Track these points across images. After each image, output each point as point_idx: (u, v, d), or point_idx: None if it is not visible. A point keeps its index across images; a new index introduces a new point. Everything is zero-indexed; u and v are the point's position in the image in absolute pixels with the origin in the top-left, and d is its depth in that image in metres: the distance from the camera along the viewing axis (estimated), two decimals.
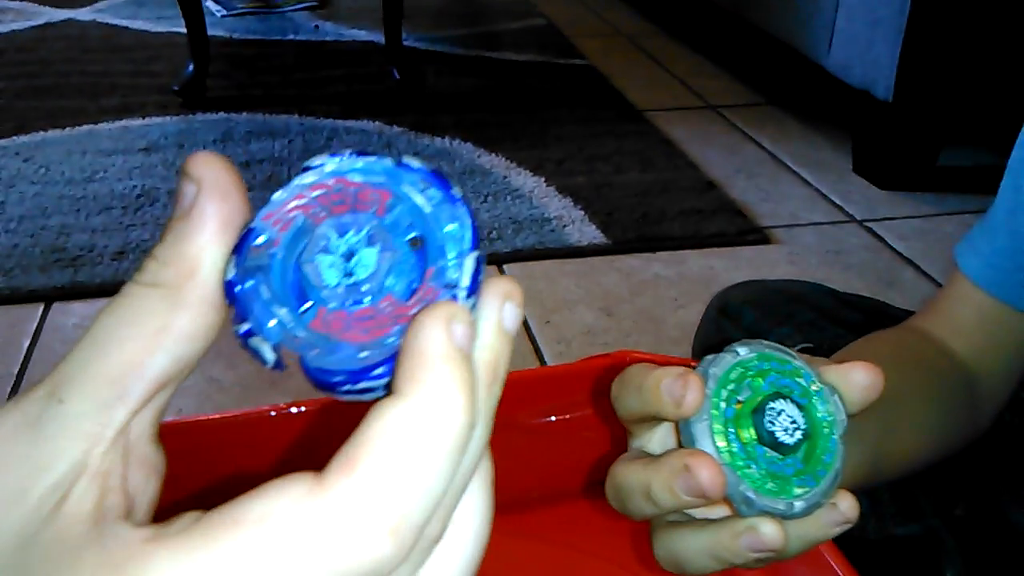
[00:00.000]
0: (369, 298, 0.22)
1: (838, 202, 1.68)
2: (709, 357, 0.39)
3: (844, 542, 0.54)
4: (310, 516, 0.19)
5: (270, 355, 0.22)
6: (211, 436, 0.67)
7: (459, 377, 0.20)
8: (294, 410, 0.68)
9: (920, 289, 1.41)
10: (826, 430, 0.38)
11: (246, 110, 1.96)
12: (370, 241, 0.23)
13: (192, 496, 0.65)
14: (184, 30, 1.94)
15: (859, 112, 1.74)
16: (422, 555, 0.21)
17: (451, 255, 0.22)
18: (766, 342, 0.39)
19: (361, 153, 0.23)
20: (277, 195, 0.23)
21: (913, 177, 1.73)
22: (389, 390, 0.20)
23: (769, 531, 0.36)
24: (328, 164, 0.23)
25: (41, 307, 1.28)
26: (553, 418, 0.74)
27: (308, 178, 0.23)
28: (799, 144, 1.92)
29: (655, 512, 0.38)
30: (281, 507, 0.19)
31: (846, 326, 0.74)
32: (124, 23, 2.54)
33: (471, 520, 0.23)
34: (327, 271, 0.22)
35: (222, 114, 1.94)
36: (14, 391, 1.11)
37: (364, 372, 0.22)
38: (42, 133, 1.82)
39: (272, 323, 0.22)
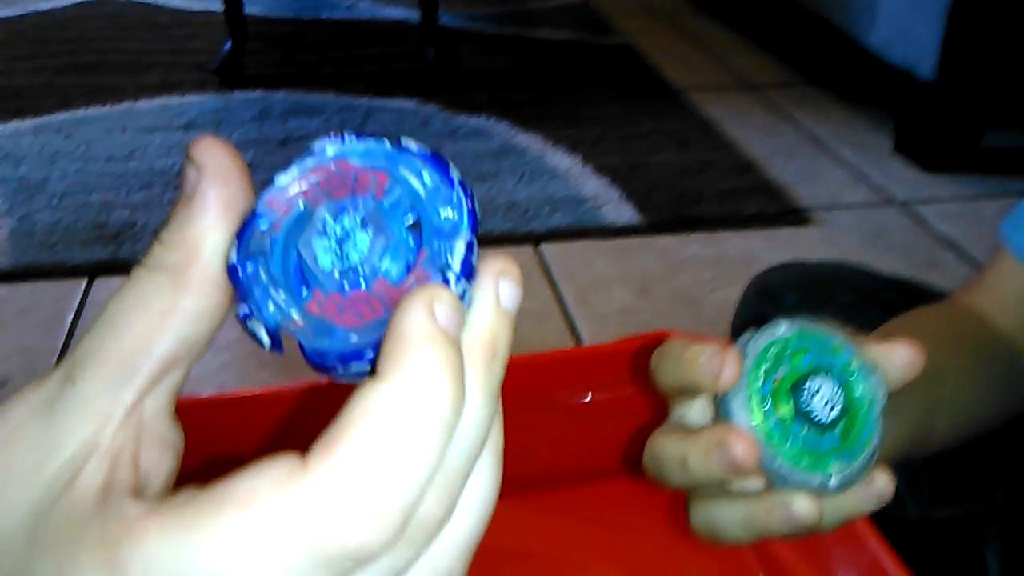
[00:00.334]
0: (363, 281, 0.23)
1: (879, 183, 1.66)
2: (748, 333, 0.39)
3: (885, 523, 0.54)
4: (291, 499, 0.19)
5: (266, 338, 0.23)
6: (252, 410, 0.68)
7: (442, 358, 0.20)
8: (319, 386, 0.69)
9: (962, 272, 1.39)
10: (865, 408, 0.38)
11: (283, 88, 1.97)
12: (364, 224, 0.23)
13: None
14: (220, 8, 1.95)
15: (901, 92, 1.71)
16: (424, 536, 0.21)
17: (444, 237, 0.23)
18: (807, 319, 0.40)
19: (361, 136, 0.24)
20: (280, 179, 0.23)
21: (956, 158, 1.70)
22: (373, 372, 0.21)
23: (802, 506, 0.36)
24: (329, 147, 0.23)
25: (84, 282, 1.30)
26: (589, 397, 0.75)
27: (309, 162, 0.23)
28: (839, 124, 1.89)
29: (691, 484, 0.39)
30: (264, 490, 0.19)
31: (888, 308, 0.73)
32: (161, 1, 2.55)
33: (472, 497, 0.23)
34: (323, 255, 0.23)
35: (259, 92, 1.95)
36: (58, 366, 1.13)
37: (356, 355, 0.22)
38: (83, 110, 1.84)
39: (270, 306, 0.23)
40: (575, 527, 0.71)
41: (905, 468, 0.67)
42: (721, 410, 0.38)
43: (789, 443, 0.37)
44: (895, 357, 0.39)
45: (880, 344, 0.40)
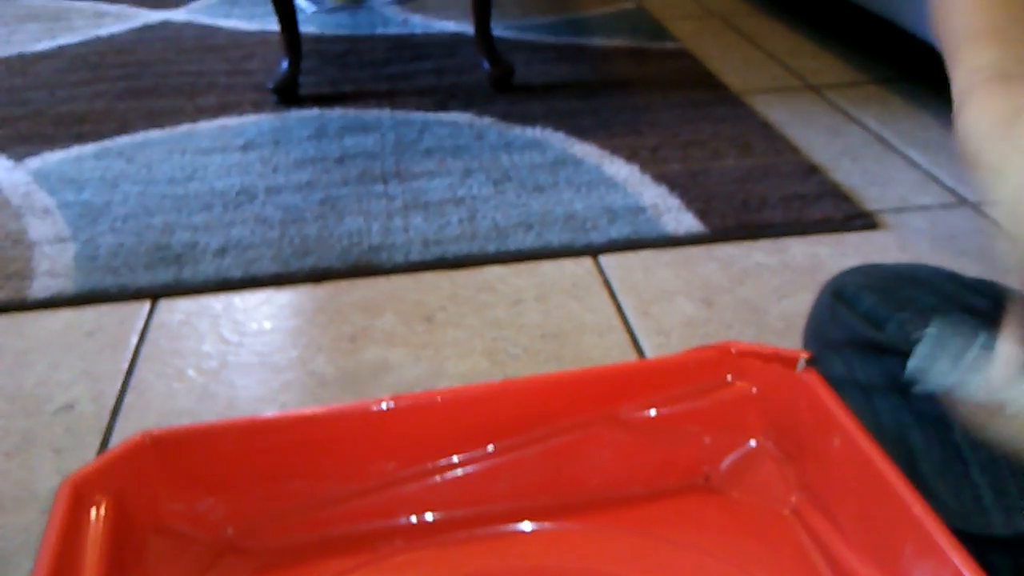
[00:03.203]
0: None
1: (950, 184, 1.60)
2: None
3: (968, 539, 0.51)
4: None
5: None
6: (315, 430, 0.66)
7: None
8: (385, 405, 0.67)
9: None
10: None
11: (338, 105, 1.97)
12: None
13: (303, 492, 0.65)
14: (276, 28, 1.97)
15: None
16: None
17: None
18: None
19: None
20: None
21: None
22: None
23: None
24: None
25: (147, 304, 1.31)
26: (654, 412, 0.72)
27: None
28: (906, 124, 1.83)
29: None
30: None
31: (971, 312, 0.71)
32: (218, 23, 2.59)
33: None
34: None
35: (315, 110, 1.95)
36: (123, 388, 1.14)
37: None
38: (143, 133, 1.87)
39: None
40: (642, 546, 0.68)
41: (993, 479, 0.64)
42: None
43: None
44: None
45: None
